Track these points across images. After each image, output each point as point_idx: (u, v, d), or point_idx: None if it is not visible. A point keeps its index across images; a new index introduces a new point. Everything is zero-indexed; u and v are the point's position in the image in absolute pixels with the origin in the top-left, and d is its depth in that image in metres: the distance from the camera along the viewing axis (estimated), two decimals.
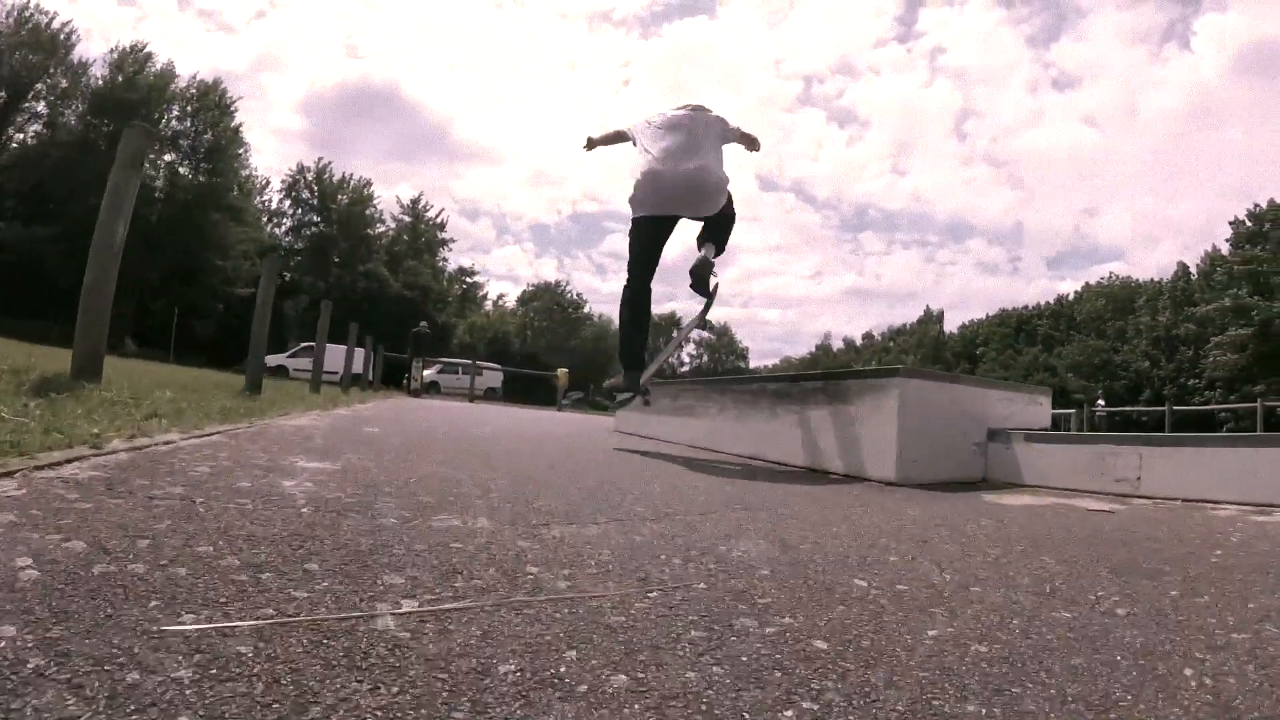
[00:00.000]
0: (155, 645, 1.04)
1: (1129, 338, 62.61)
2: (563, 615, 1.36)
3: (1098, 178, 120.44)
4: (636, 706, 1.02)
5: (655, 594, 1.56)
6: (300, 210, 57.64)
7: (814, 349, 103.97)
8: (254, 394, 7.45)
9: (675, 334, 5.71)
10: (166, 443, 3.01)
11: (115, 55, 46.07)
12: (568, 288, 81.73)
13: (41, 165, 41.14)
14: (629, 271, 5.50)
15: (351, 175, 58.86)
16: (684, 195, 5.21)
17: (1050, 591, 1.83)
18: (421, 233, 62.09)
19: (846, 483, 4.17)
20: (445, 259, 65.45)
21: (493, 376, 39.69)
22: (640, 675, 1.13)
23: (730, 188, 5.40)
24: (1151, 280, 65.75)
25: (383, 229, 60.49)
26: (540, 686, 1.05)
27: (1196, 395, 50.13)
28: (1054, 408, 7.12)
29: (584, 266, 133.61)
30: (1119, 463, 4.04)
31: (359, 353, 17.50)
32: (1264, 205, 52.09)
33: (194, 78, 49.29)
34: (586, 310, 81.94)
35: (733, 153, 5.84)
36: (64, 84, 44.79)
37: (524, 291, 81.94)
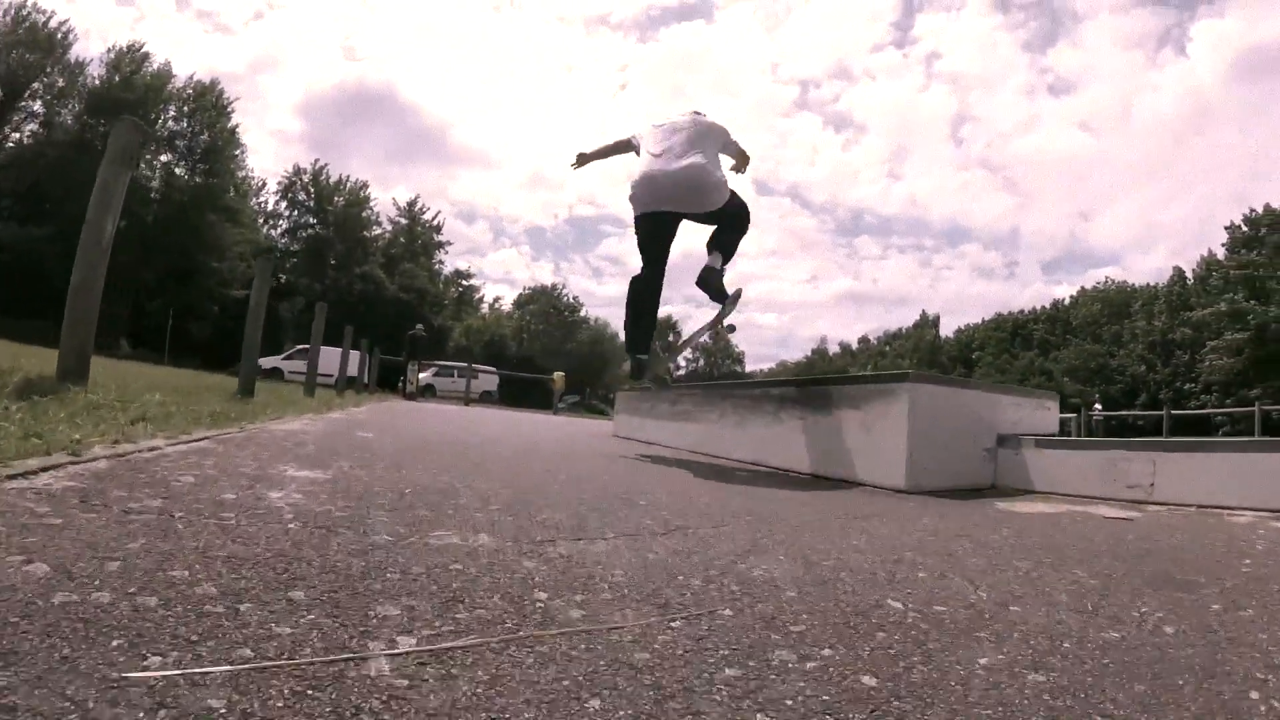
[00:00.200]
0: (114, 697, 0.90)
1: (1125, 342, 62.69)
2: (580, 653, 1.23)
3: (1093, 182, 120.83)
4: None
5: (679, 623, 1.42)
6: (296, 212, 57.39)
7: (810, 353, 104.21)
8: (247, 397, 7.30)
9: (687, 332, 5.60)
10: (151, 449, 2.87)
11: (112, 55, 45.90)
12: (564, 291, 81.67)
13: (38, 165, 40.86)
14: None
15: (348, 177, 58.60)
16: (677, 192, 5.17)
17: (1092, 609, 1.74)
18: (418, 235, 61.87)
19: (855, 490, 4.06)
20: (442, 262, 65.27)
21: (489, 380, 39.54)
22: None
23: (743, 196, 5.35)
24: (1147, 285, 65.90)
25: (379, 231, 60.27)
26: None
27: (1192, 399, 50.20)
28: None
29: (580, 270, 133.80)
30: (1132, 468, 3.95)
31: (354, 355, 17.36)
32: (1260, 210, 52.16)
33: (191, 78, 49.12)
34: (583, 314, 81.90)
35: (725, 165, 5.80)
36: (61, 83, 44.55)
37: (520, 294, 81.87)
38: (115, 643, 1.06)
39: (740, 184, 5.90)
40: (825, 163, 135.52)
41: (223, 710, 0.91)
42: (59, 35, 44.21)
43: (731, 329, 5.82)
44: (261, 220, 55.70)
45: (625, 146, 5.82)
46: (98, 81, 44.73)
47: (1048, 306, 76.80)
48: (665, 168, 5.16)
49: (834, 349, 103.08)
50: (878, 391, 4.50)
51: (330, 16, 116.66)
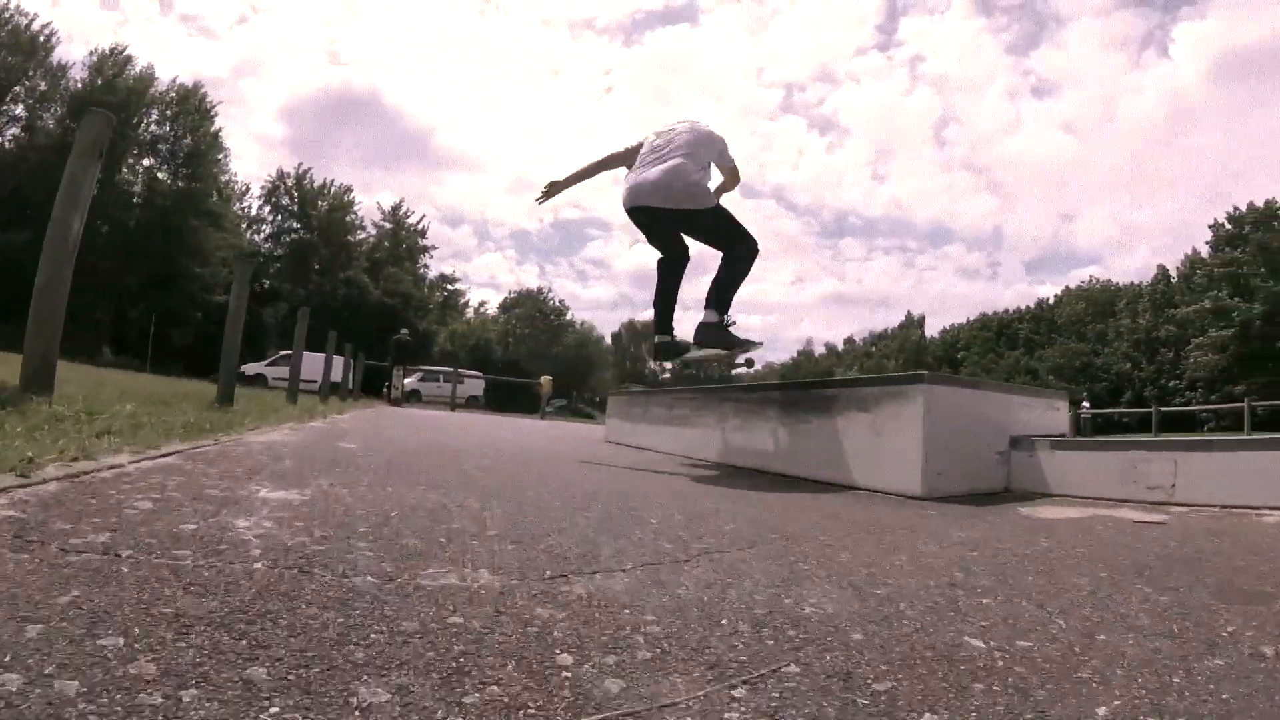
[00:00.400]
0: None
1: (1109, 340, 63.10)
2: None
3: (1075, 183, 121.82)
4: None
5: (741, 691, 1.16)
6: (280, 216, 56.88)
7: (796, 354, 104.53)
8: (226, 406, 6.99)
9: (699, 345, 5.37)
10: (111, 468, 2.60)
11: (95, 58, 45.38)
12: (550, 294, 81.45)
13: (19, 169, 40.26)
14: None
15: (332, 182, 58.16)
16: (654, 189, 5.11)
17: (1179, 632, 1.60)
18: (402, 239, 61.43)
19: (869, 498, 3.85)
20: (426, 266, 64.87)
21: (474, 384, 39.29)
22: None
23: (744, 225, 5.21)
24: (1131, 283, 66.31)
25: (363, 236, 59.82)
26: None
27: (1177, 396, 50.56)
28: None
29: (566, 273, 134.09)
30: (1152, 469, 3.81)
31: (338, 361, 17.03)
32: (1243, 208, 52.50)
33: (174, 82, 48.59)
34: (569, 317, 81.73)
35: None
36: (43, 87, 44.03)
37: (505, 298, 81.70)
38: None
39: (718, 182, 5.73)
40: (810, 165, 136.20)
41: None
42: (41, 38, 43.73)
43: (749, 363, 5.54)
44: (245, 225, 55.16)
45: (608, 164, 5.72)
46: (80, 85, 44.21)
47: (1032, 306, 77.35)
48: (649, 168, 5.16)
49: (820, 350, 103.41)
50: (889, 393, 4.29)
51: (315, 20, 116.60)
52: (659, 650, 1.31)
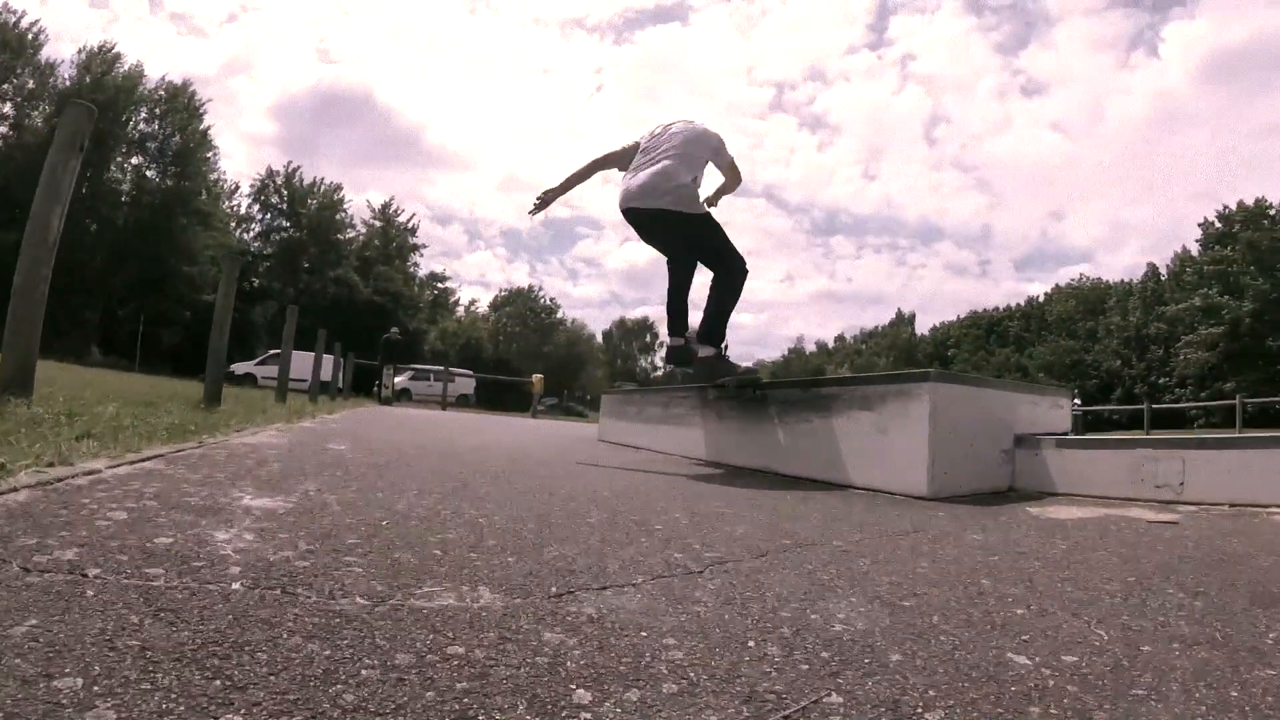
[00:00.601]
0: None
1: (1100, 337, 63.37)
2: None
3: (1064, 182, 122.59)
4: None
5: None
6: (269, 215, 56.67)
7: (787, 352, 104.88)
8: (213, 406, 6.84)
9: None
10: (88, 474, 2.46)
11: (83, 56, 45.02)
12: (540, 293, 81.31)
13: (7, 167, 39.91)
14: None
15: (322, 180, 57.91)
16: (641, 191, 5.10)
17: (1223, 640, 1.55)
18: (392, 238, 61.23)
19: (875, 499, 3.75)
20: (417, 264, 64.79)
21: (465, 383, 39.17)
22: None
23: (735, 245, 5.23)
24: (1121, 281, 66.60)
25: (353, 234, 59.61)
26: None
27: (1167, 393, 50.81)
28: None
29: (556, 272, 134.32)
30: (1160, 468, 3.77)
31: (328, 360, 16.84)
32: (1233, 207, 52.78)
33: (163, 79, 48.29)
34: (560, 315, 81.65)
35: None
36: (31, 85, 43.71)
37: (496, 297, 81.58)
38: None
39: (713, 186, 5.67)
40: (800, 164, 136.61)
41: None
42: (29, 36, 43.38)
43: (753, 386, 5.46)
44: (234, 224, 54.87)
45: (600, 165, 5.69)
46: (68, 83, 43.88)
47: (1022, 303, 77.65)
48: (639, 171, 5.17)
49: (810, 348, 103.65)
50: (895, 392, 4.18)
51: (305, 19, 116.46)
52: (685, 681, 1.18)
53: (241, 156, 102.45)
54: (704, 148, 5.35)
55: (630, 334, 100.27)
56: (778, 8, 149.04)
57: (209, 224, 48.71)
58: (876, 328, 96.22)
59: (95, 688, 0.97)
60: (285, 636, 1.20)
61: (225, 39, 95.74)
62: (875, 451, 4.22)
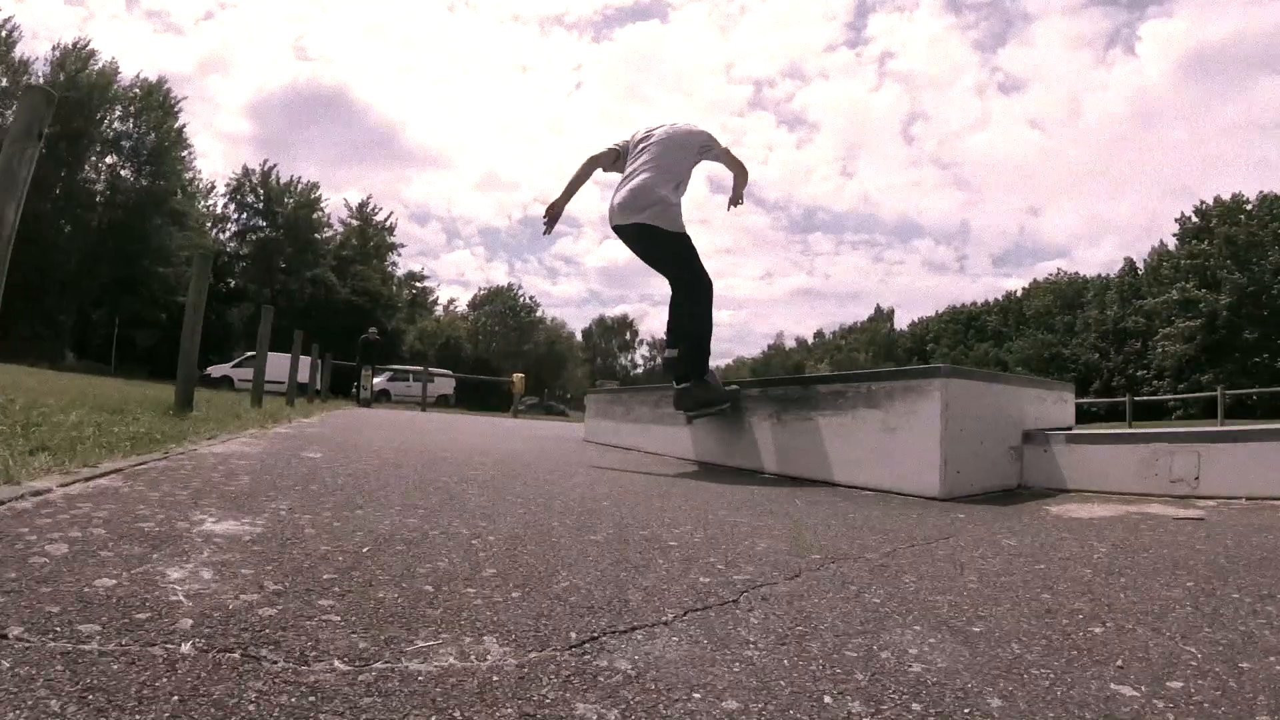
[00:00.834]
0: None
1: (1077, 331, 63.87)
2: None
3: (1042, 178, 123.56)
4: None
5: None
6: (245, 214, 55.79)
7: (766, 348, 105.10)
8: (184, 412, 6.53)
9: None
10: (35, 494, 2.20)
11: (58, 53, 44.15)
12: (520, 292, 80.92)
13: None
14: None
15: (298, 179, 57.10)
16: (618, 208, 5.12)
17: None
18: (370, 237, 60.47)
19: (886, 501, 3.58)
20: (395, 264, 63.95)
21: (445, 383, 38.87)
22: None
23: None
24: (1099, 276, 67.17)
25: (330, 233, 58.78)
26: None
27: (1145, 385, 51.24)
28: None
29: (535, 270, 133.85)
30: (1175, 462, 3.68)
31: (305, 361, 16.48)
32: (1210, 202, 53.38)
33: (138, 77, 47.43)
34: (539, 314, 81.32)
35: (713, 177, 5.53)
36: (4, 82, 42.71)
37: (475, 296, 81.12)
38: None
39: (694, 183, 5.54)
40: (779, 161, 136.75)
41: None
42: (3, 33, 42.51)
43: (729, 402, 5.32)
44: (209, 224, 53.98)
45: (593, 166, 5.59)
46: (42, 80, 42.98)
47: (1000, 298, 78.08)
48: (621, 188, 5.17)
49: (790, 344, 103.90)
50: (903, 389, 4.00)
51: (282, 15, 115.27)
52: None
53: (217, 156, 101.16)
54: (686, 149, 5.27)
55: (610, 332, 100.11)
56: (757, 5, 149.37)
57: (184, 224, 47.81)
58: (856, 324, 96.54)
59: None
60: None
61: (202, 36, 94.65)
62: (883, 451, 4.05)
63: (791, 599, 1.72)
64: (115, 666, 1.07)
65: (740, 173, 5.78)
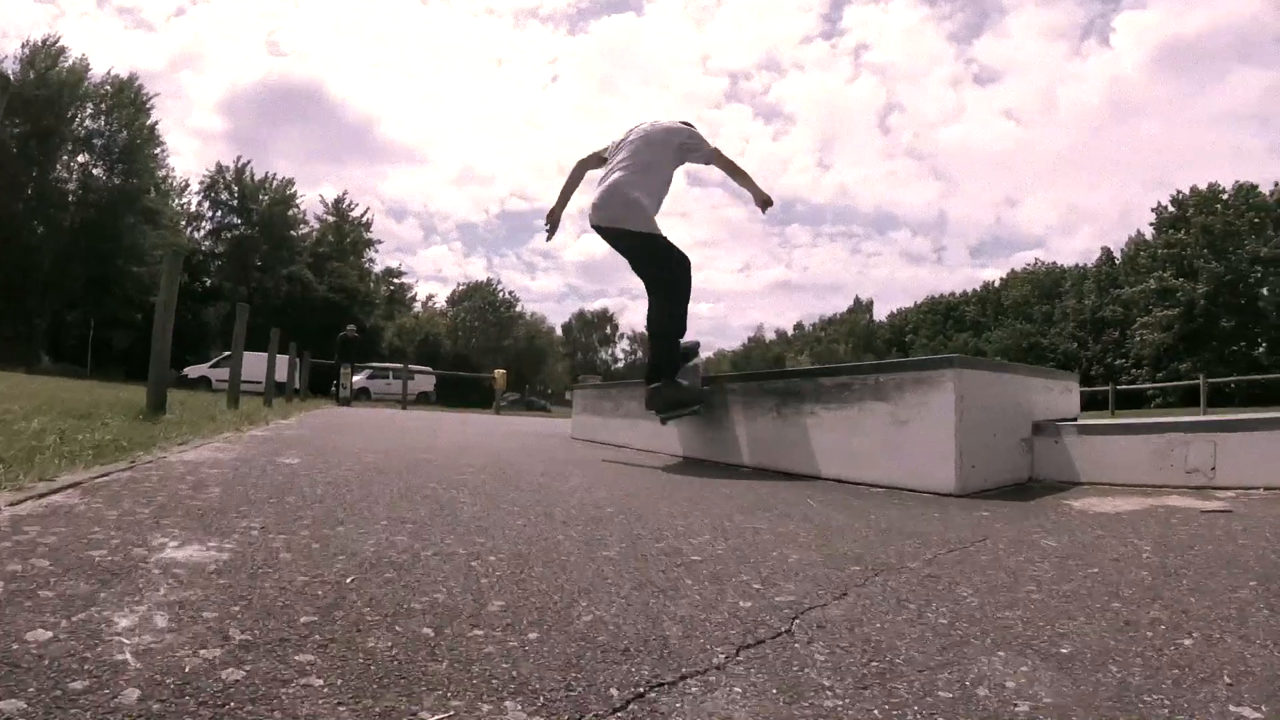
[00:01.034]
0: None
1: (1056, 321, 64.35)
2: None
3: (1018, 169, 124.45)
4: None
5: None
6: (219, 212, 54.96)
7: (746, 341, 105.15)
8: (156, 415, 6.24)
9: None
10: None
11: (27, 50, 43.26)
12: (499, 286, 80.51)
13: None
14: None
15: (273, 175, 56.36)
16: (592, 209, 5.08)
17: None
18: (346, 233, 59.79)
19: (901, 499, 3.41)
20: (372, 260, 63.26)
21: (425, 380, 38.55)
22: None
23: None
24: (1076, 266, 67.67)
25: (306, 230, 58.04)
26: None
27: (1124, 374, 51.68)
28: None
29: (514, 265, 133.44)
30: (1190, 453, 3.56)
31: (283, 360, 16.13)
32: (1186, 192, 53.87)
33: (109, 73, 46.56)
34: (519, 309, 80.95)
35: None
36: None
37: (454, 291, 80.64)
38: None
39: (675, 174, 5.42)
40: (755, 153, 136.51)
41: None
42: None
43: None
44: (184, 222, 53.16)
45: (583, 169, 5.60)
46: (12, 78, 42.13)
47: (978, 289, 78.53)
48: (597, 188, 5.13)
49: (770, 336, 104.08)
50: (914, 380, 3.82)
51: (254, 11, 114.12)
52: None
53: (190, 153, 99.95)
54: (665, 147, 5.17)
55: (590, 326, 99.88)
56: None
57: (158, 223, 46.97)
58: (835, 315, 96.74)
59: None
60: None
61: (173, 32, 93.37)
62: (892, 445, 3.88)
63: (850, 625, 1.51)
64: None
65: (741, 174, 5.58)
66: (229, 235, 54.48)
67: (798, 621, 1.52)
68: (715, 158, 5.39)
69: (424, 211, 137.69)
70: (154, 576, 1.55)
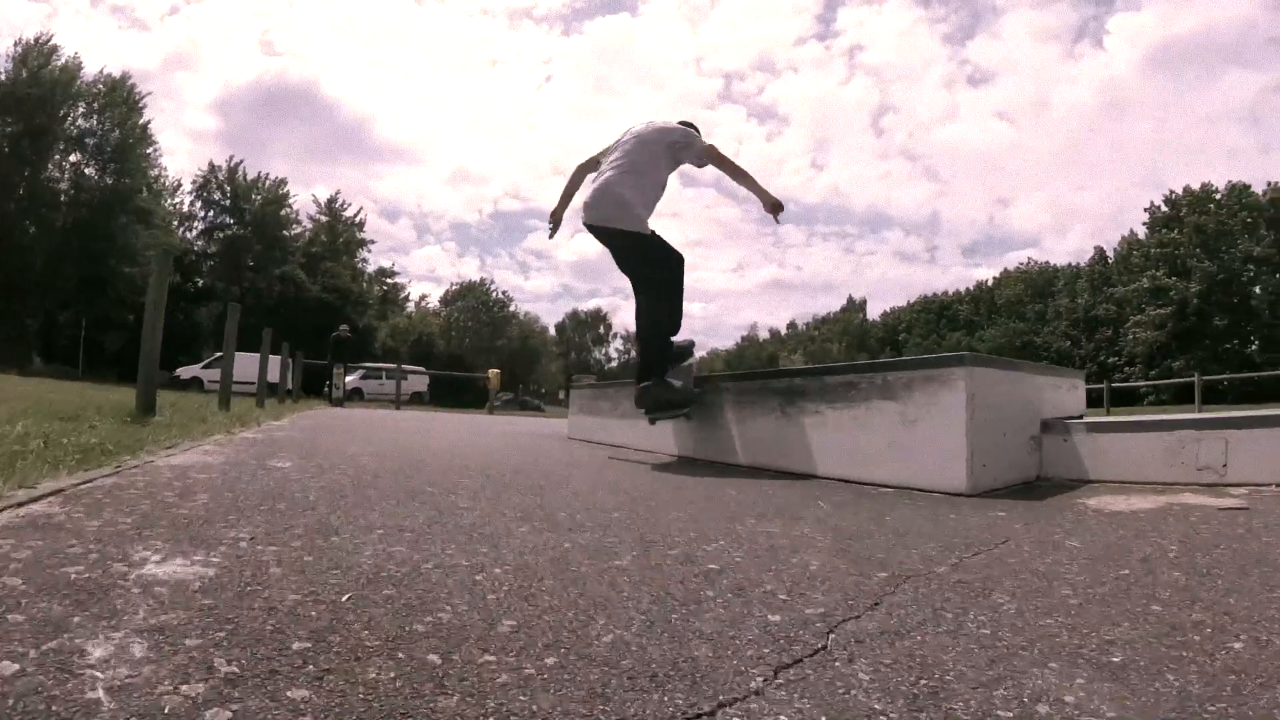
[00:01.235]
0: None
1: (1049, 319, 64.50)
2: None
3: (1010, 170, 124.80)
4: None
5: None
6: (212, 212, 54.68)
7: (740, 340, 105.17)
8: (145, 417, 6.10)
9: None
10: None
11: (19, 49, 42.92)
12: (492, 286, 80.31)
13: None
14: None
15: (266, 175, 56.10)
16: (584, 207, 5.12)
17: None
18: (340, 233, 59.50)
19: (913, 499, 3.37)
20: (365, 260, 62.95)
21: (419, 380, 38.39)
22: None
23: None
24: (1069, 265, 67.89)
25: (299, 230, 57.77)
26: None
27: (1117, 372, 51.82)
28: None
29: (507, 265, 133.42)
30: (1202, 449, 3.52)
31: (275, 360, 15.98)
32: (1179, 191, 54.14)
33: (102, 72, 46.26)
34: (512, 309, 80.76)
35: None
36: None
37: (447, 291, 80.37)
38: None
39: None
40: (749, 154, 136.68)
41: None
42: None
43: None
44: (176, 222, 52.87)
45: (583, 173, 5.57)
46: (3, 77, 41.87)
47: (971, 288, 78.66)
48: (588, 187, 5.18)
49: (764, 335, 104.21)
50: (923, 378, 3.78)
51: (248, 11, 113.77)
52: None
53: (184, 152, 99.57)
54: (658, 146, 5.11)
55: (584, 326, 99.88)
56: None
57: (150, 222, 46.64)
58: (828, 315, 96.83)
59: None
60: None
61: (167, 32, 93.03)
62: (901, 445, 3.83)
63: (890, 638, 1.41)
64: None
65: (744, 176, 5.34)
66: (221, 235, 54.21)
67: (833, 636, 1.42)
68: (710, 157, 5.25)
69: (417, 211, 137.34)
70: (133, 597, 1.42)
